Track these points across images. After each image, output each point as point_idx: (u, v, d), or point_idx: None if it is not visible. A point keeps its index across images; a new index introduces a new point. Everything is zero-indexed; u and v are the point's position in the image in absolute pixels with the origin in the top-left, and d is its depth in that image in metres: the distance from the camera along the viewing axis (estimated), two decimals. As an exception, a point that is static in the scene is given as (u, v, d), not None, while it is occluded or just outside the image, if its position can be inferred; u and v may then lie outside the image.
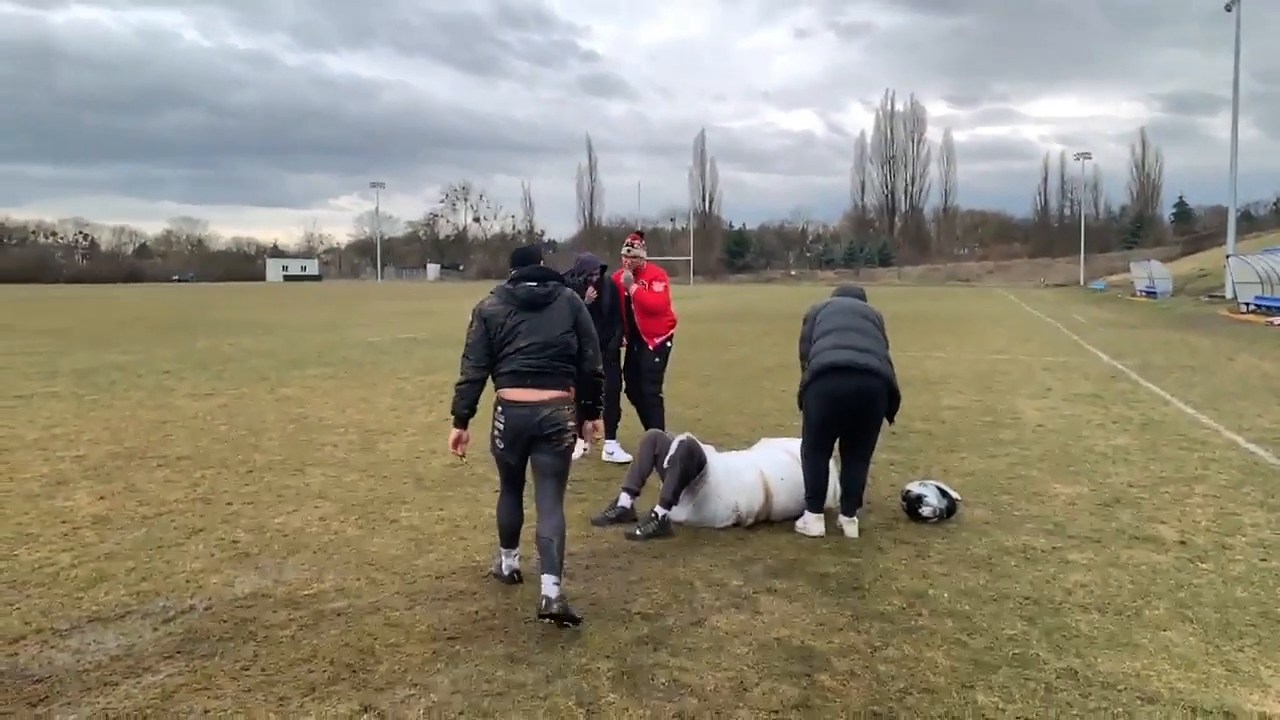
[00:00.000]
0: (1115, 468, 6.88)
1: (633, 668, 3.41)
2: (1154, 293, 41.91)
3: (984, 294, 57.88)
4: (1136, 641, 3.67)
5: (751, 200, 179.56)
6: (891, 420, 5.20)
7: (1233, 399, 10.66)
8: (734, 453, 5.88)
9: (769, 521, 5.33)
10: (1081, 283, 71.25)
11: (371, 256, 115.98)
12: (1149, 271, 44.22)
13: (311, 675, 3.35)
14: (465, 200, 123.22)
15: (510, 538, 4.44)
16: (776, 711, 3.07)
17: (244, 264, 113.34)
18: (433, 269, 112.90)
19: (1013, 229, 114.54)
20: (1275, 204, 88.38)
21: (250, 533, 5.11)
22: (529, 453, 4.29)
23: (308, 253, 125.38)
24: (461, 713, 3.06)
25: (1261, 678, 3.35)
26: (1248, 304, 28.56)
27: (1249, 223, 78.97)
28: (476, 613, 3.94)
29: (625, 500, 5.33)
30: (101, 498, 5.84)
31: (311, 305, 36.39)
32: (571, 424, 4.22)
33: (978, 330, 22.35)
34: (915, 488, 5.42)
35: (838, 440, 5.20)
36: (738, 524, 5.25)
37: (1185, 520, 5.44)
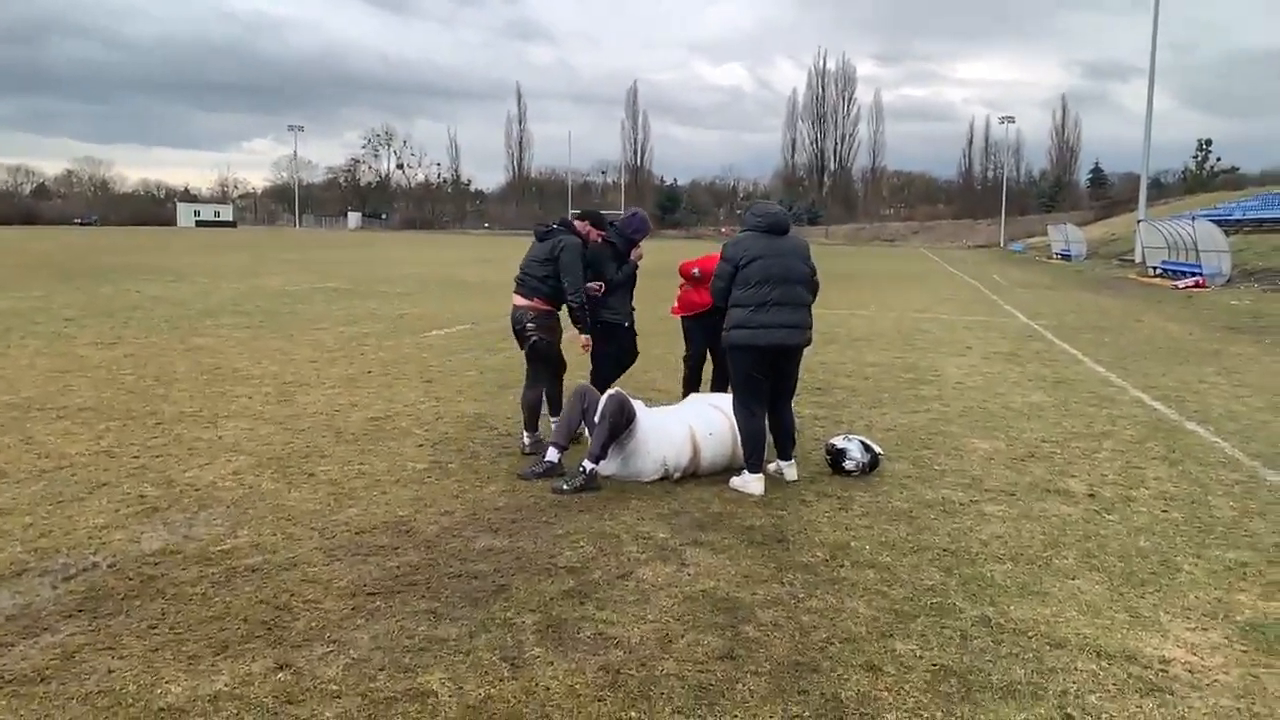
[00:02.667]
0: (1030, 424, 7.09)
1: (558, 621, 3.38)
2: (1069, 255, 43.30)
3: (908, 254, 59.04)
4: (1047, 590, 3.79)
5: (683, 156, 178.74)
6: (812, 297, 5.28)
7: (1139, 359, 11.09)
8: (662, 408, 5.86)
9: (696, 475, 5.34)
10: (1001, 244, 73.20)
11: (289, 203, 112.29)
12: (1065, 235, 45.63)
13: (224, 633, 3.23)
14: (388, 146, 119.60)
15: (530, 420, 5.89)
16: (702, 663, 3.08)
17: (153, 208, 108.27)
18: (354, 217, 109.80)
19: (937, 191, 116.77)
20: (1184, 172, 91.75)
21: (158, 487, 4.90)
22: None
23: (221, 198, 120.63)
24: (382, 669, 2.99)
25: (1161, 623, 3.50)
26: (1155, 268, 29.72)
27: (1159, 190, 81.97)
28: (398, 568, 3.86)
29: (553, 455, 5.27)
30: (-4, 450, 5.54)
31: (226, 252, 35.03)
32: (531, 326, 5.87)
33: (902, 289, 22.79)
34: (839, 442, 5.49)
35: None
36: (665, 478, 5.24)
37: (1094, 474, 5.64)
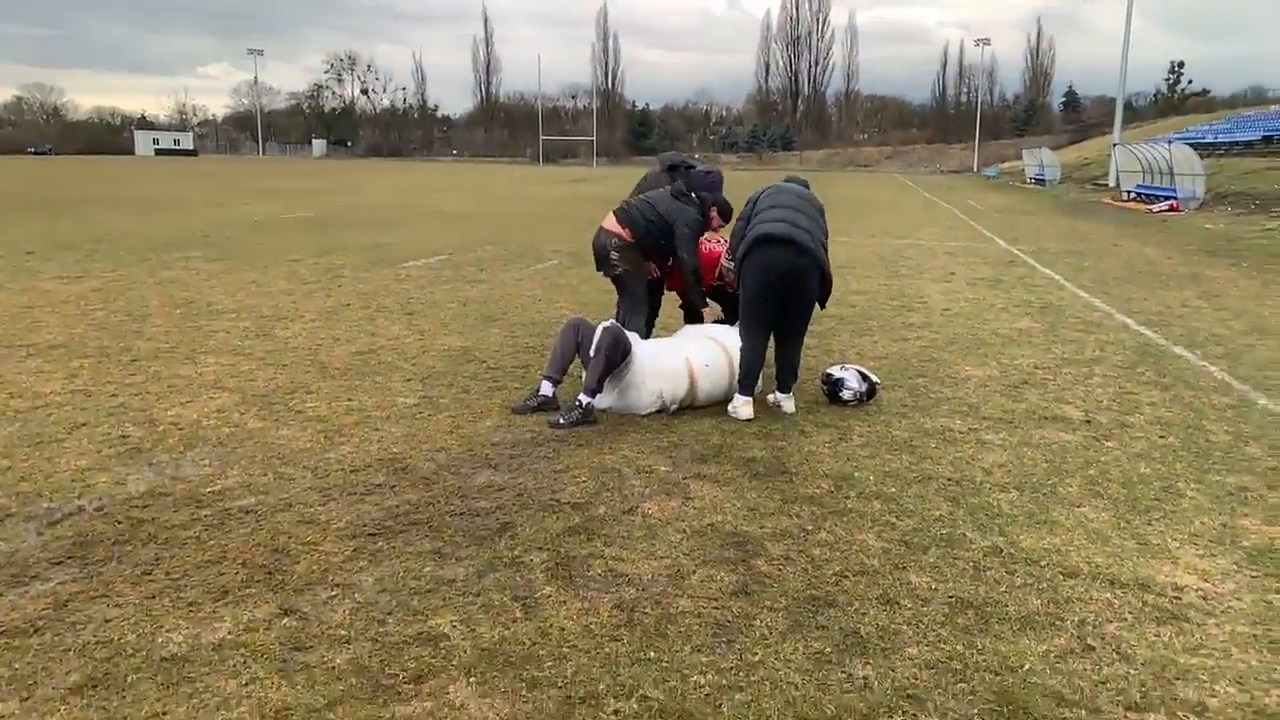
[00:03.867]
0: (1020, 350, 7.07)
1: (566, 559, 3.31)
2: (1043, 180, 43.26)
3: (884, 179, 58.72)
4: (1054, 519, 3.78)
5: (655, 79, 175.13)
6: (823, 305, 5.15)
7: (1120, 283, 11.11)
8: (659, 340, 5.75)
9: (693, 407, 5.27)
10: (975, 169, 72.99)
11: (251, 130, 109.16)
12: (1039, 159, 45.52)
13: (222, 578, 3.13)
14: (352, 72, 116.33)
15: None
16: (716, 599, 3.03)
17: (109, 136, 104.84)
18: (318, 144, 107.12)
19: (911, 115, 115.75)
20: (1155, 95, 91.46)
21: (140, 426, 4.74)
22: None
23: (180, 125, 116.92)
24: (390, 613, 2.91)
25: (1170, 550, 3.50)
26: (1129, 192, 29.75)
27: (1131, 113, 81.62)
28: (397, 507, 3.76)
29: (547, 388, 5.16)
30: (-34, 390, 5.33)
31: (189, 181, 34.02)
32: (615, 256, 5.66)
33: (880, 216, 22.65)
34: (836, 371, 5.42)
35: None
36: (662, 410, 5.16)
37: (1089, 400, 5.64)
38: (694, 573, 3.22)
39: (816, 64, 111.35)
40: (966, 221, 21.49)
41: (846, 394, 5.32)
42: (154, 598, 2.99)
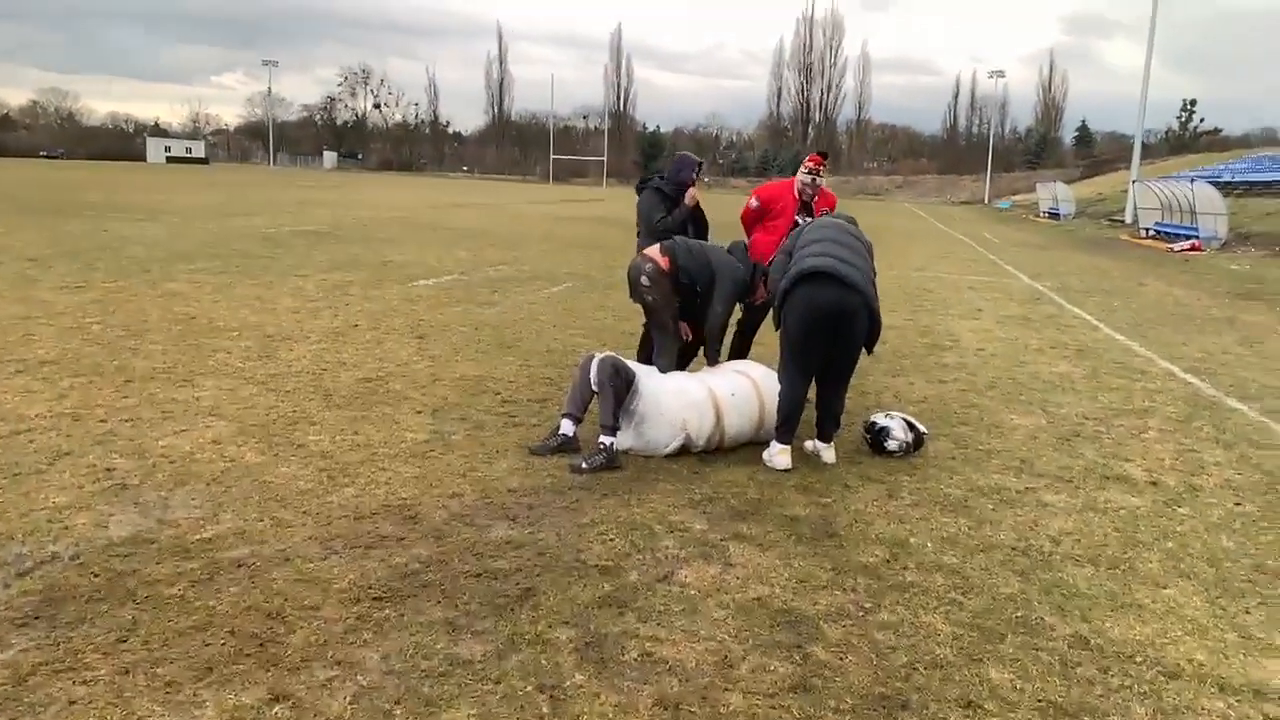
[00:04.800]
0: (1064, 397, 6.68)
1: (598, 637, 2.92)
2: (1057, 214, 42.95)
3: (895, 209, 58.49)
4: (1139, 601, 3.38)
5: (666, 102, 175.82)
6: (870, 350, 4.76)
7: (1154, 326, 10.73)
8: (674, 373, 5.37)
9: (721, 450, 4.89)
10: (986, 201, 72.76)
11: (263, 140, 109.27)
12: (1054, 193, 45.23)
13: (208, 649, 2.74)
14: (365, 85, 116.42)
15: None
16: (772, 695, 2.64)
17: (122, 142, 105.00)
18: (330, 156, 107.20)
19: (921, 145, 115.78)
20: (1166, 133, 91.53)
21: (129, 458, 4.36)
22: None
23: (193, 133, 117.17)
24: (398, 701, 2.52)
25: (1278, 645, 3.09)
26: (1148, 229, 29.42)
27: (1144, 150, 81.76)
28: (405, 565, 3.37)
29: (568, 427, 4.78)
30: (-55, 410, 4.96)
31: (198, 190, 33.85)
32: (645, 283, 5.29)
33: (897, 246, 22.31)
34: (880, 419, 5.04)
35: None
36: (685, 449, 4.78)
37: (1149, 458, 5.24)
38: (744, 660, 2.82)
39: (828, 91, 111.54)
40: (985, 255, 21.15)
41: (892, 444, 4.94)
42: (128, 673, 2.60)
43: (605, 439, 4.59)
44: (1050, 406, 6.38)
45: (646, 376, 4.81)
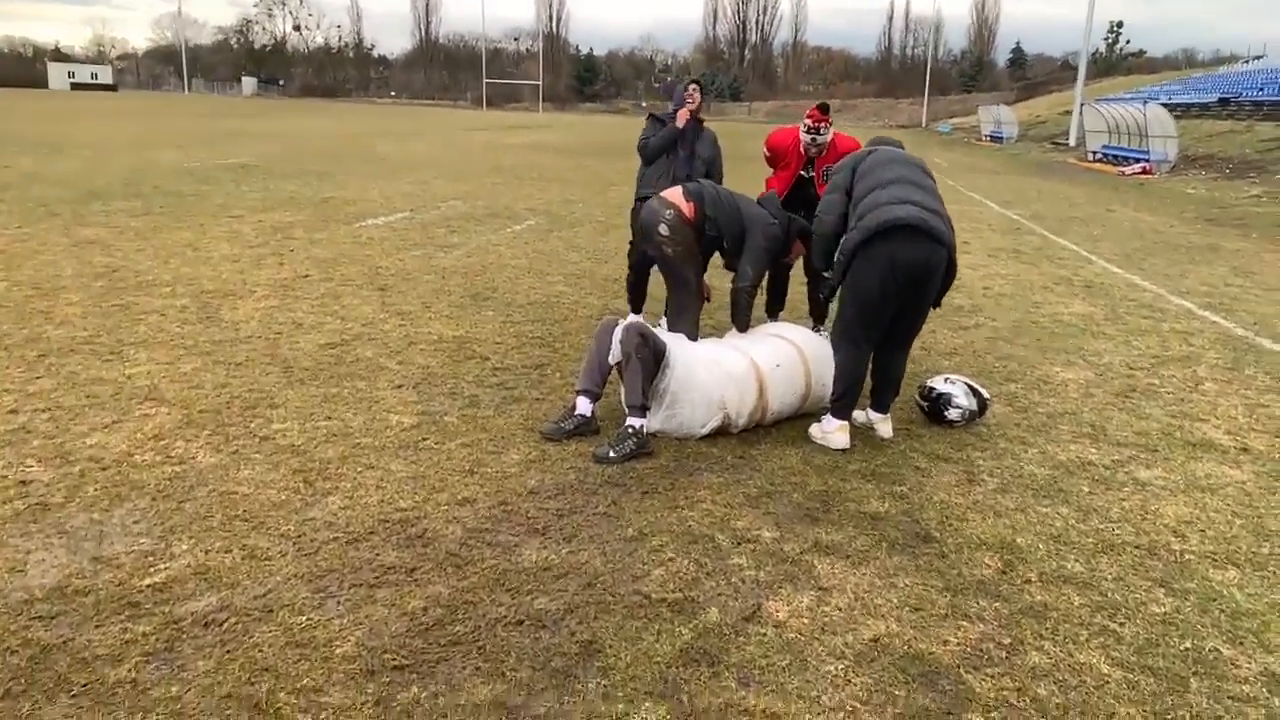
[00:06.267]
0: (1098, 343, 6.16)
1: (695, 713, 2.25)
2: (999, 137, 42.75)
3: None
4: (1311, 616, 2.84)
5: (599, 24, 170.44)
6: (938, 304, 4.10)
7: (1146, 256, 10.34)
8: (708, 340, 4.66)
9: (762, 427, 4.22)
10: (924, 124, 72.45)
11: (175, 65, 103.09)
12: (996, 116, 44.96)
13: (176, 768, 2.00)
14: (284, 6, 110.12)
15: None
16: (946, 799, 2.01)
17: (20, 68, 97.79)
18: (249, 83, 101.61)
19: (856, 68, 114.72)
20: (1094, 55, 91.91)
21: (49, 464, 3.50)
22: None
23: (98, 58, 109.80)
24: None
25: None
26: (1095, 152, 29.29)
27: (1068, 71, 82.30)
28: (425, 611, 2.64)
29: (585, 406, 4.05)
30: None
31: (109, 119, 31.33)
32: (664, 231, 4.56)
33: (855, 172, 21.65)
34: (939, 384, 4.42)
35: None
36: (724, 429, 4.10)
37: (1222, 417, 4.74)
38: (891, 740, 2.19)
39: (764, 12, 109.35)
40: (944, 180, 20.62)
41: (953, 413, 4.33)
42: (66, 820, 1.85)
43: (634, 420, 3.88)
44: (1089, 355, 5.85)
45: (678, 347, 4.08)
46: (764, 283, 5.17)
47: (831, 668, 2.46)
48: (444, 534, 3.10)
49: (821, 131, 5.15)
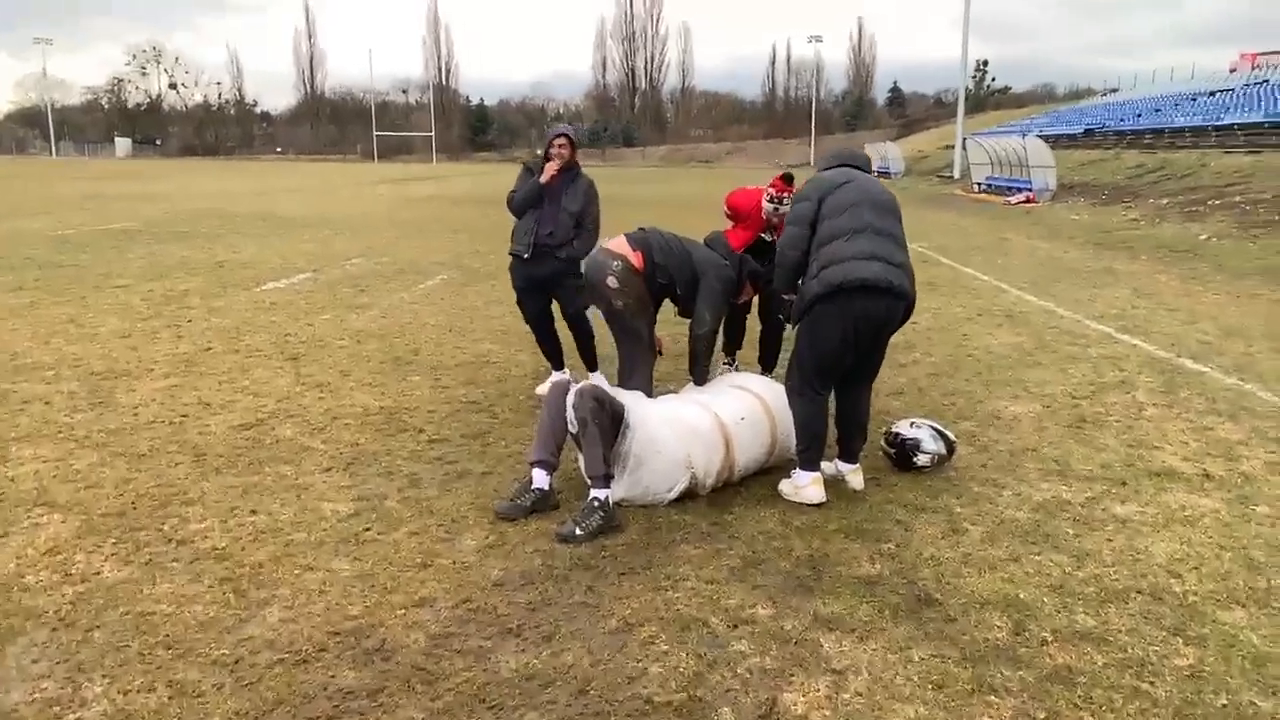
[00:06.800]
0: (1037, 374, 6.19)
1: (733, 847, 1.95)
2: (887, 173, 44.40)
3: (733, 176, 58.98)
4: (1330, 656, 2.73)
5: (489, 74, 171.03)
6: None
7: (1052, 282, 10.66)
8: (663, 396, 4.41)
9: (729, 486, 3.99)
10: (812, 163, 74.80)
11: (41, 128, 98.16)
12: (883, 153, 46.74)
13: None
14: (158, 64, 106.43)
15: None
16: None
17: None
18: (122, 143, 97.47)
19: (743, 111, 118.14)
20: (966, 92, 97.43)
21: (-80, 595, 2.98)
22: None
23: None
24: None
25: None
26: (979, 184, 30.63)
27: (943, 108, 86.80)
28: (398, 744, 2.27)
29: (541, 479, 3.73)
30: None
31: (-30, 188, 29.35)
32: (611, 283, 4.36)
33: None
34: (906, 430, 4.27)
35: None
36: (691, 491, 3.84)
37: (1174, 443, 4.75)
38: None
39: (652, 60, 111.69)
40: (845, 217, 21.11)
41: (922, 459, 4.19)
42: None
43: (598, 492, 3.58)
44: (1031, 387, 5.85)
45: (637, 406, 3.82)
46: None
47: (869, 770, 2.20)
48: (405, 644, 2.73)
49: (784, 202, 4.99)
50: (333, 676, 2.55)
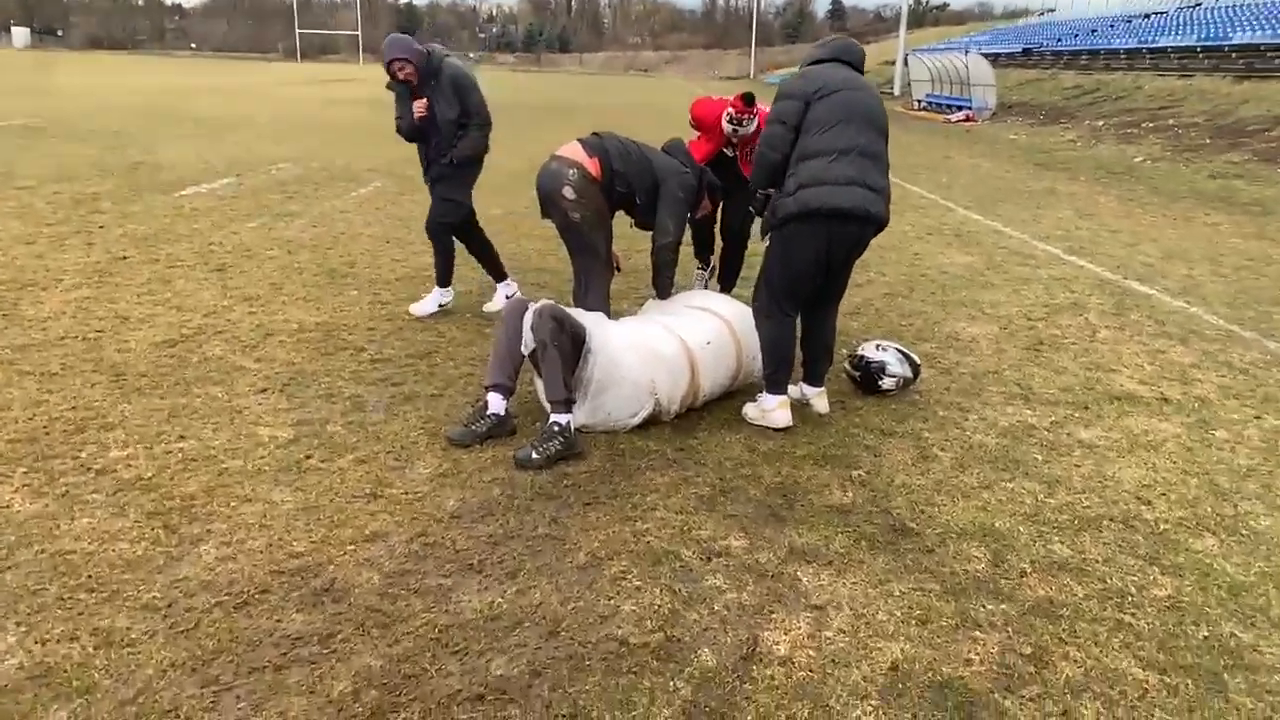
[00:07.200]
0: (990, 295, 6.14)
1: (723, 800, 1.84)
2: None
3: (669, 85, 57.83)
4: (1301, 584, 2.73)
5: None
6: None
7: (996, 202, 10.65)
8: (626, 319, 4.19)
9: (693, 411, 3.83)
10: (752, 75, 73.63)
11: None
12: (823, 66, 46.02)
13: None
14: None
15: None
16: None
17: None
18: (19, 33, 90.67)
19: (683, 20, 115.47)
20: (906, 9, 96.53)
21: None
22: None
23: None
24: None
25: None
26: (920, 101, 30.48)
27: (882, 22, 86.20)
28: (355, 696, 2.09)
29: (498, 404, 3.52)
30: None
31: None
32: (568, 194, 4.02)
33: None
34: (872, 353, 4.15)
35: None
36: (656, 417, 3.68)
37: (1130, 366, 4.75)
38: (956, 804, 1.86)
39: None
40: (789, 131, 20.80)
41: (888, 382, 4.08)
42: None
43: (559, 417, 3.39)
44: (986, 308, 5.80)
45: (599, 329, 3.59)
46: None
47: (859, 711, 2.11)
48: (357, 583, 2.53)
49: (743, 123, 4.70)
50: (279, 621, 2.35)
